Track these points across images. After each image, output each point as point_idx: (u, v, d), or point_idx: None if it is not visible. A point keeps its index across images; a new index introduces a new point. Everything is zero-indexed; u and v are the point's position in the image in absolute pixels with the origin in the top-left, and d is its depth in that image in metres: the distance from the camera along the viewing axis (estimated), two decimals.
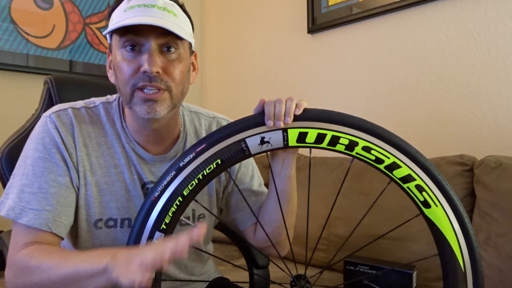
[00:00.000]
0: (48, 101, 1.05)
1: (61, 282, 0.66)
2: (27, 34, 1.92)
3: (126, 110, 0.83)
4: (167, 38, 0.74)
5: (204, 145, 0.72)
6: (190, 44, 0.81)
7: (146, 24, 0.70)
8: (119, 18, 0.73)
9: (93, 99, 0.87)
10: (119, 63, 0.75)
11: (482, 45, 1.52)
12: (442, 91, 1.62)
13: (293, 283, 0.74)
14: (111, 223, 0.82)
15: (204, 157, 0.72)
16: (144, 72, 0.72)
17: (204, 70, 2.63)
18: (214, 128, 0.93)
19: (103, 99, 0.87)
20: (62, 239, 0.77)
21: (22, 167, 0.76)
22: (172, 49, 0.75)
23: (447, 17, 1.60)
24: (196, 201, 0.79)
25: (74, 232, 0.83)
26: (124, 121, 0.84)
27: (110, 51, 0.80)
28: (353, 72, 1.90)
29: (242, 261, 1.12)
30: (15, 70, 1.89)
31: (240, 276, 1.38)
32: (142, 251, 0.60)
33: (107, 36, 0.79)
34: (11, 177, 0.77)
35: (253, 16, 2.36)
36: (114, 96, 0.88)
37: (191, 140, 0.89)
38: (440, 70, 1.63)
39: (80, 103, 0.84)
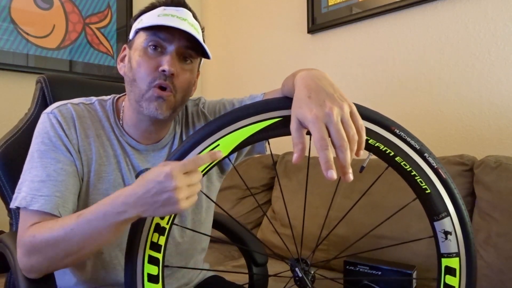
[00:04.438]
0: (42, 100, 1.04)
1: (81, 244, 0.68)
2: (27, 34, 1.92)
3: (127, 105, 0.87)
4: (188, 50, 0.82)
5: None
6: (199, 62, 0.89)
7: (175, 32, 0.78)
8: (154, 20, 0.79)
9: (89, 97, 0.92)
10: (139, 59, 0.81)
11: (482, 45, 1.52)
12: (442, 91, 1.62)
13: (292, 268, 0.74)
14: None
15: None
16: (163, 71, 0.78)
17: (204, 70, 2.63)
18: (199, 112, 0.97)
19: (98, 97, 0.92)
20: None
21: (30, 161, 0.79)
22: (188, 61, 0.83)
23: (447, 17, 1.60)
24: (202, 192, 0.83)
25: None
26: (118, 117, 0.89)
27: (130, 46, 0.85)
28: (353, 72, 1.90)
29: (242, 261, 1.12)
30: (15, 70, 1.89)
31: (239, 275, 1.38)
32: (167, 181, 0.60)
33: (132, 32, 0.86)
34: (21, 174, 0.79)
35: (253, 16, 2.36)
36: (109, 96, 0.93)
37: (181, 129, 0.95)
38: (440, 70, 1.63)
39: (77, 100, 0.88)
